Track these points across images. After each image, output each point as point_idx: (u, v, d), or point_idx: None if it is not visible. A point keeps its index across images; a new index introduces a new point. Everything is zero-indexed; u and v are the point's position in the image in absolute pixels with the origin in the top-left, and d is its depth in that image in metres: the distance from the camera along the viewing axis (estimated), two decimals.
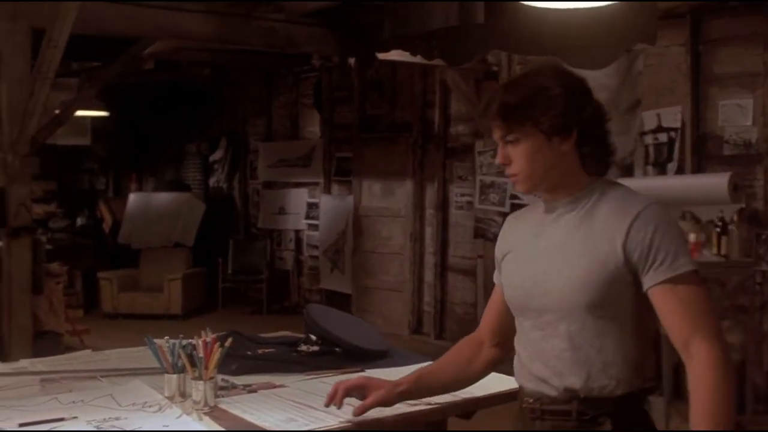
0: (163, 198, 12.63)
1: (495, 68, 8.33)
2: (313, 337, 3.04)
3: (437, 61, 7.49)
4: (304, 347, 3.04)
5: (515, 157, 2.16)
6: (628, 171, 7.12)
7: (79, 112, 8.61)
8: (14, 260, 6.15)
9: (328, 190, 10.93)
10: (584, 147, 2.15)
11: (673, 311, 2.04)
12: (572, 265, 2.09)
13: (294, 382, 2.77)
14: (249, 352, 2.98)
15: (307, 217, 11.22)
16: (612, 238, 2.07)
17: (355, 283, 10.28)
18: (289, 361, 2.95)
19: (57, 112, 7.09)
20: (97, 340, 8.45)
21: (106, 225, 12.98)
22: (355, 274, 10.28)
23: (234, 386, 2.69)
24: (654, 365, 2.23)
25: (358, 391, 2.34)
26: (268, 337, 3.22)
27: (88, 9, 6.09)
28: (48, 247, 7.77)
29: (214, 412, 2.44)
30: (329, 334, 3.02)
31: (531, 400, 2.18)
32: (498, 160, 2.20)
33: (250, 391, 2.66)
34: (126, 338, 7.33)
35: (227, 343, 2.54)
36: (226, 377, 2.72)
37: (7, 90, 6.25)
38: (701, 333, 2.01)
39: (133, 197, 12.83)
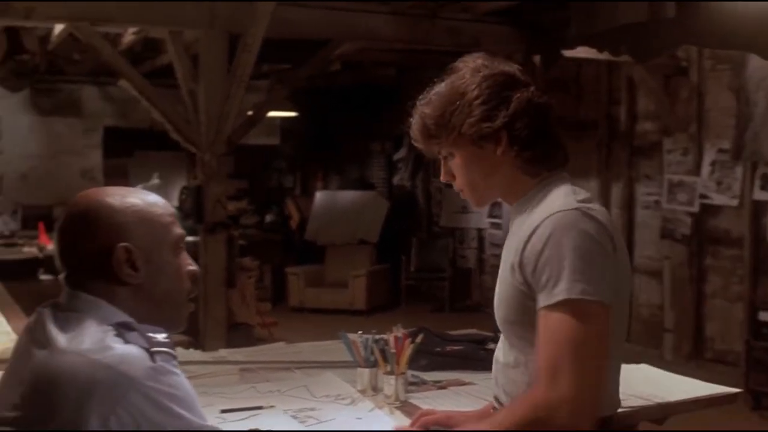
0: (348, 196, 12.88)
1: (684, 64, 8.08)
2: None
3: (624, 58, 7.34)
4: (492, 345, 3.04)
5: (455, 171, 2.01)
6: None
7: (270, 113, 8.88)
8: (210, 255, 6.44)
9: None
10: (516, 147, 1.93)
11: (539, 341, 1.81)
12: (501, 278, 1.97)
13: (483, 380, 2.78)
14: (438, 349, 3.01)
15: (490, 216, 11.18)
16: (516, 251, 1.89)
17: None
18: (477, 359, 2.96)
19: (250, 113, 7.35)
20: (284, 333, 8.69)
21: (294, 222, 13.34)
22: None
23: (424, 382, 2.73)
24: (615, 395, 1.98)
25: (442, 426, 2.20)
26: (456, 335, 3.25)
27: (280, 13, 6.30)
28: (241, 242, 8.07)
29: (405, 407, 2.48)
30: None
31: None
32: (442, 178, 2.05)
33: (440, 388, 2.70)
34: (312, 332, 7.51)
35: (418, 340, 2.59)
36: (416, 373, 2.76)
37: (204, 93, 6.55)
38: (546, 373, 1.78)
39: (319, 195, 13.15)
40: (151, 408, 1.43)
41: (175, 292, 1.68)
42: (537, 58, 7.80)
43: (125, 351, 1.46)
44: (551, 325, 1.79)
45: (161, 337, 1.52)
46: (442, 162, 2.03)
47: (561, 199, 1.90)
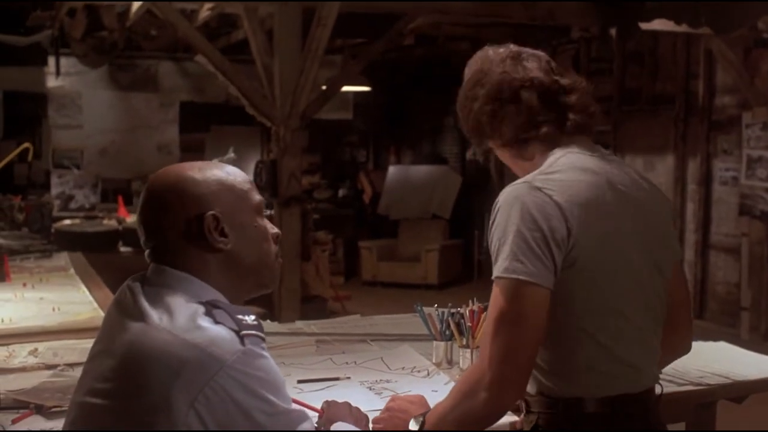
0: (421, 170, 12.88)
1: (766, 36, 7.88)
2: None
3: (703, 30, 7.21)
4: None
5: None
6: None
7: (343, 88, 8.91)
8: (285, 228, 6.51)
9: None
10: (498, 140, 2.03)
11: None
12: None
13: None
14: None
15: None
16: None
17: None
18: None
19: (324, 88, 7.39)
20: (357, 306, 8.76)
21: (366, 196, 13.40)
22: None
23: None
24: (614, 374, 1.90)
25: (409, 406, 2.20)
26: None
27: None
28: (314, 216, 8.15)
29: None
30: None
31: None
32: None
33: None
34: (384, 306, 7.58)
35: None
36: None
37: (279, 68, 6.61)
38: (480, 347, 1.84)
39: (392, 170, 13.17)
40: (239, 391, 1.45)
41: (263, 252, 1.72)
42: (613, 31, 7.70)
43: (216, 333, 1.49)
44: (490, 302, 1.83)
45: (250, 319, 1.54)
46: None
47: (533, 171, 1.93)
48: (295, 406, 1.58)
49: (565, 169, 1.89)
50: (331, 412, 2.01)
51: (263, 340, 1.53)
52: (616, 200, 1.91)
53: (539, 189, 1.83)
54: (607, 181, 1.92)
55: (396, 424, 2.00)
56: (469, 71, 2.05)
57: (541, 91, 1.97)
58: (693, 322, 2.16)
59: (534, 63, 2.01)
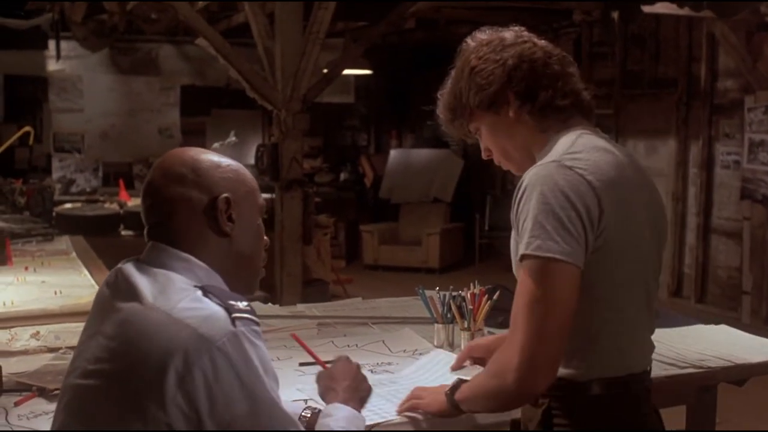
0: (423, 154, 12.87)
1: None
2: None
3: (705, 13, 7.18)
4: None
5: (488, 145, 2.05)
6: None
7: (345, 71, 8.88)
8: (286, 211, 6.52)
9: None
10: (519, 102, 1.93)
11: None
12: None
13: None
14: None
15: None
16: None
17: None
18: None
19: (325, 71, 7.36)
20: (358, 290, 8.76)
21: (368, 180, 13.38)
22: None
23: None
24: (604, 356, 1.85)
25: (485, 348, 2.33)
26: None
27: None
28: (316, 200, 8.14)
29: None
30: None
31: None
32: (483, 156, 2.10)
33: None
34: (386, 289, 7.58)
35: (495, 297, 2.59)
36: (492, 330, 2.77)
37: (280, 51, 6.59)
38: (509, 330, 1.78)
39: (393, 153, 13.15)
40: (226, 372, 1.46)
41: (257, 253, 1.77)
42: (615, 15, 7.68)
43: (208, 313, 1.50)
44: (519, 281, 1.79)
45: (242, 305, 1.55)
46: (479, 140, 2.07)
47: (552, 152, 1.87)
48: (283, 395, 1.59)
49: (587, 149, 1.84)
50: (336, 368, 2.01)
51: (257, 323, 1.54)
52: (634, 182, 1.90)
53: (570, 168, 1.78)
54: (625, 161, 1.90)
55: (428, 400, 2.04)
56: (474, 43, 2.02)
57: (566, 64, 1.98)
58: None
59: (544, 42, 2.00)
